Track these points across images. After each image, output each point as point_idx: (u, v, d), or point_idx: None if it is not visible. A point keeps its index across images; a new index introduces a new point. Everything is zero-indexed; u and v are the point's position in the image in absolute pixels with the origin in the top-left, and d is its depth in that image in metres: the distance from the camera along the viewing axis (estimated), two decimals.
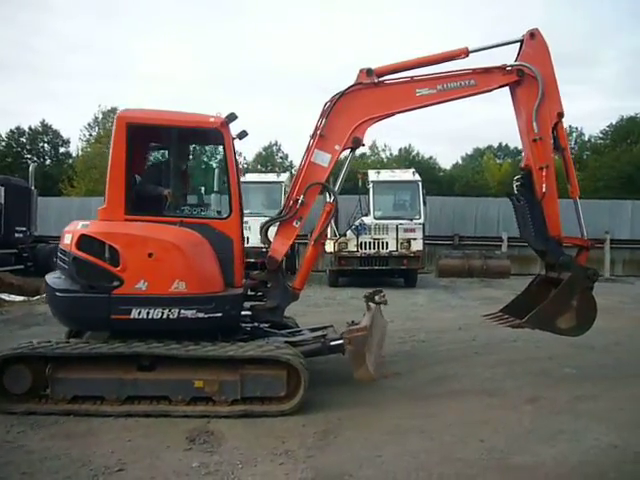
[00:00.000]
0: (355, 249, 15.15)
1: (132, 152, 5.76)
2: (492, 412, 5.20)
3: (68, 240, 5.35)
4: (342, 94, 5.95)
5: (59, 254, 5.53)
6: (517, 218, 6.44)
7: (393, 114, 6.17)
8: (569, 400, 5.53)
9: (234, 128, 6.22)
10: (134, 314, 5.17)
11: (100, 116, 41.60)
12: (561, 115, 6.13)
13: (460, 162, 61.61)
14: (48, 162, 47.58)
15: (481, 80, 6.12)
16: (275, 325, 6.60)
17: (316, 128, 5.99)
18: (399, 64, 6.13)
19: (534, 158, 6.11)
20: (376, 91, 6.04)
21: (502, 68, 6.12)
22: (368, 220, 15.43)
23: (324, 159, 6.01)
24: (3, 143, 46.14)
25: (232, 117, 5.68)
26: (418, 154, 53.29)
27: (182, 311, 5.24)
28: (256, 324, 6.26)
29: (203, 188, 6.34)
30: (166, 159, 6.08)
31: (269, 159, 58.12)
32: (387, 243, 15.13)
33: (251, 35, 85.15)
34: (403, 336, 8.68)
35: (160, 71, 78.73)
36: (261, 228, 6.03)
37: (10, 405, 5.02)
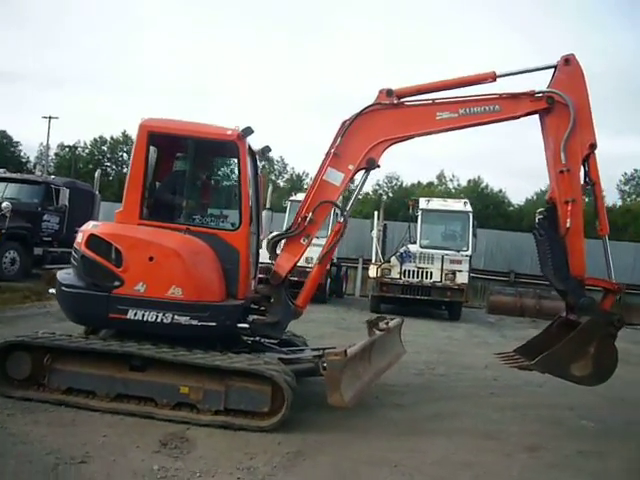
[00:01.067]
0: (398, 276, 14.84)
1: (152, 160, 6.01)
2: (482, 455, 4.87)
3: (80, 239, 5.59)
4: (360, 113, 5.90)
5: (73, 252, 5.78)
6: (539, 254, 6.09)
7: (411, 137, 6.04)
8: (572, 454, 5.08)
9: (256, 143, 6.40)
10: (130, 314, 5.30)
11: None
12: (594, 147, 5.74)
13: (535, 198, 59.63)
14: (125, 170, 50.34)
15: (507, 106, 5.86)
16: (283, 342, 6.60)
17: (331, 146, 5.97)
18: (421, 86, 5.99)
19: (559, 191, 5.74)
20: (395, 112, 5.94)
21: (530, 94, 5.81)
22: (413, 248, 15.12)
23: (336, 178, 5.95)
24: (87, 151, 49.39)
25: (248, 131, 5.78)
26: (487, 186, 51.95)
27: (176, 317, 5.31)
28: (258, 338, 6.26)
29: (217, 199, 6.42)
30: (184, 168, 6.25)
31: None
32: (431, 273, 14.72)
33: (322, 59, 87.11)
34: (422, 368, 8.36)
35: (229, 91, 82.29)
36: (268, 243, 6.04)
37: (10, 389, 5.23)
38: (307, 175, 57.80)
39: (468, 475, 4.42)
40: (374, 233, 15.92)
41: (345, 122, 5.94)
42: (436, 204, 16.12)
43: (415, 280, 14.71)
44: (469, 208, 15.57)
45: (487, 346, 11.54)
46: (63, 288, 5.53)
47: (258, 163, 6.85)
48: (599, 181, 5.86)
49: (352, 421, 5.47)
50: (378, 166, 6.04)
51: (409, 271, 14.79)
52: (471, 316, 17.06)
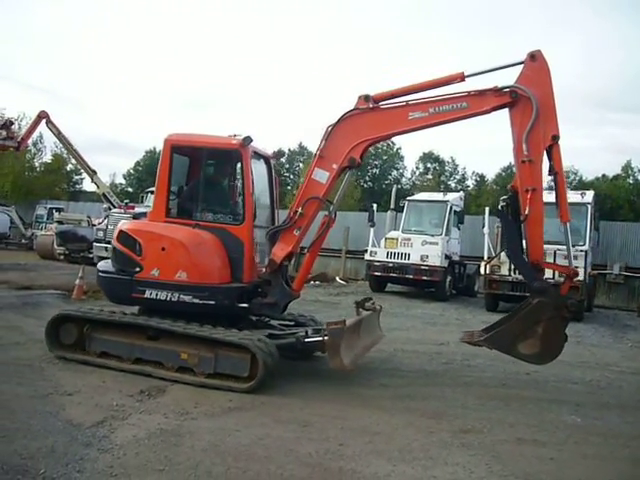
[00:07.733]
0: (507, 273, 14.27)
1: (184, 168, 7.38)
2: (402, 430, 5.07)
3: (114, 234, 7.15)
4: (341, 118, 6.58)
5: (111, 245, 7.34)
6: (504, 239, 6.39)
7: (388, 136, 6.69)
8: (506, 440, 5.02)
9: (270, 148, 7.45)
10: (147, 294, 6.64)
11: None
12: (556, 138, 6.03)
13: None
14: (301, 180, 54.27)
15: (473, 102, 6.24)
16: (298, 322, 7.61)
17: (317, 149, 6.71)
18: (396, 90, 6.51)
19: (520, 180, 6.19)
20: (371, 115, 6.54)
21: (495, 90, 6.14)
22: (524, 243, 14.35)
23: (323, 176, 6.68)
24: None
25: (248, 139, 6.82)
26: None
27: (181, 296, 6.52)
28: (263, 317, 7.25)
29: (226, 197, 7.46)
30: (201, 173, 7.34)
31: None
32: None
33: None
34: (457, 359, 8.43)
35: None
36: (266, 234, 6.91)
37: (62, 352, 6.80)
38: (482, 176, 55.70)
39: (363, 441, 4.74)
40: (485, 229, 15.57)
41: (329, 127, 6.63)
42: (550, 197, 14.96)
43: None
44: (588, 199, 14.28)
45: (576, 345, 10.66)
46: (100, 274, 7.12)
47: (272, 165, 7.82)
48: (561, 171, 6.25)
49: (320, 393, 6.10)
50: (360, 164, 6.68)
51: None
52: (609, 319, 15.47)
